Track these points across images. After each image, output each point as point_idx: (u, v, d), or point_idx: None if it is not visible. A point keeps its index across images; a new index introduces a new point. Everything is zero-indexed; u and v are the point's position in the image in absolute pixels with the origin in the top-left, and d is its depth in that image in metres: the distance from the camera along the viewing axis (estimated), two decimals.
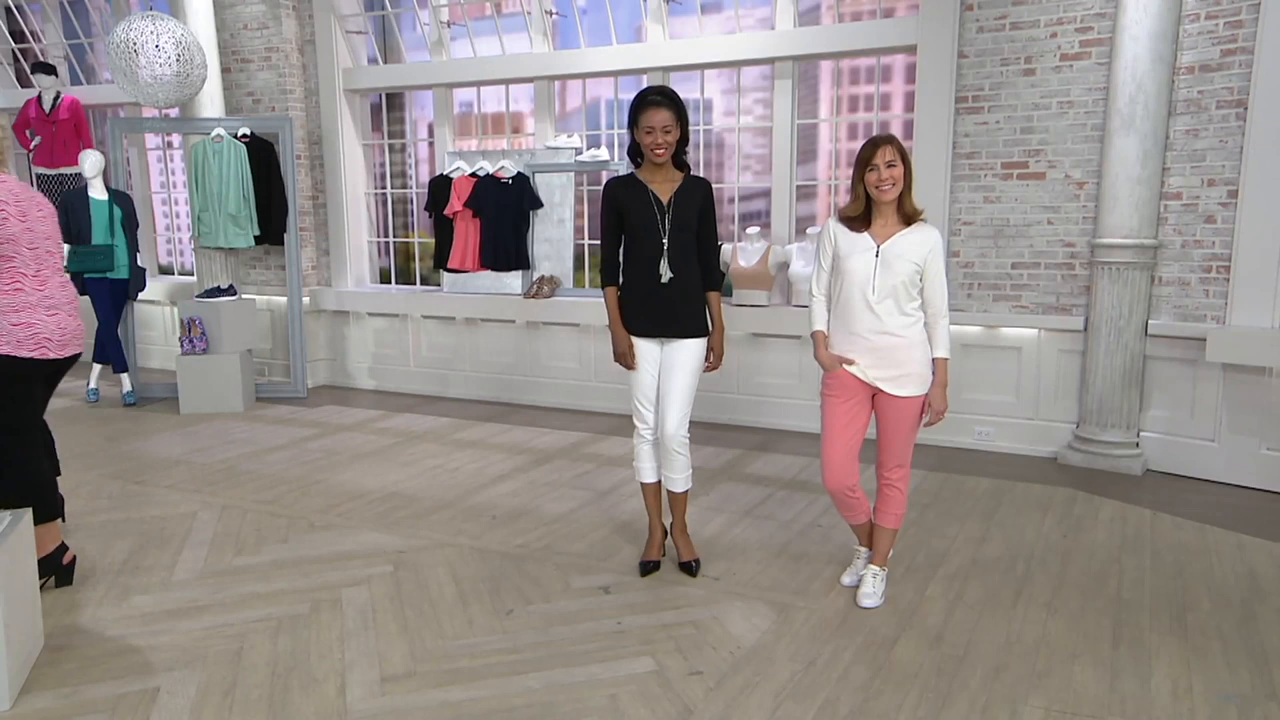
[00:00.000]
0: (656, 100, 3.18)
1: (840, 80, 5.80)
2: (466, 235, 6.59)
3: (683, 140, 3.27)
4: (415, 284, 7.40)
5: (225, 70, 7.02)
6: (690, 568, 3.51)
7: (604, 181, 3.50)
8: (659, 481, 3.54)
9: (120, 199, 6.44)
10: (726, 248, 5.95)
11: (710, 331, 3.43)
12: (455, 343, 6.96)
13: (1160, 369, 4.92)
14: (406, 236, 7.51)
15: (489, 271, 6.60)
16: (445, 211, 6.56)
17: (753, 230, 5.86)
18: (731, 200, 6.22)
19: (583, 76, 6.35)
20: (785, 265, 5.79)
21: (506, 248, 6.49)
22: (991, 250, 5.24)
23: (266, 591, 3.38)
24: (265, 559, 3.71)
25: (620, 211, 3.33)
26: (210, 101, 6.64)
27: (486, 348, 6.85)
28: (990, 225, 5.22)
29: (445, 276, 6.84)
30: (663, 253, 3.29)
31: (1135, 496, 4.48)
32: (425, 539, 3.93)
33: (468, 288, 6.76)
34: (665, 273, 3.29)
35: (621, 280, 3.40)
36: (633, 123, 3.25)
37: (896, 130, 5.65)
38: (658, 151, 3.21)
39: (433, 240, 6.80)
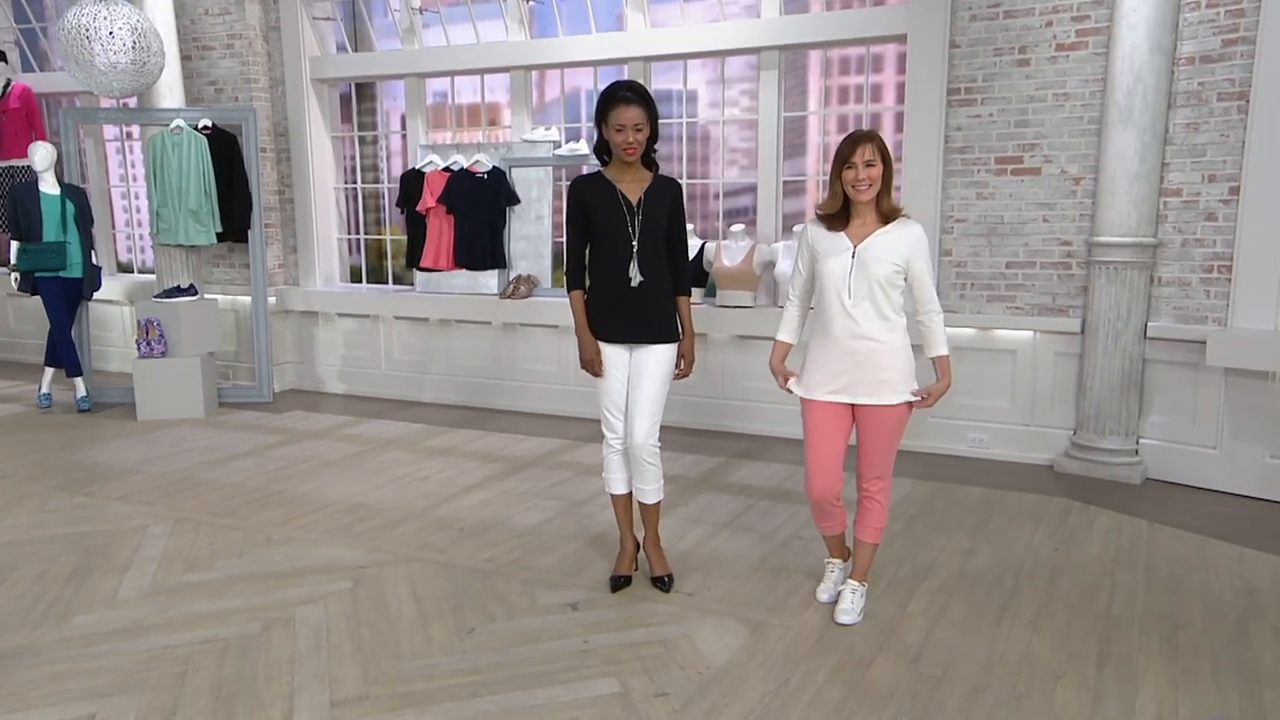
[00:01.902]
0: (627, 96, 3.18)
1: (829, 71, 5.81)
2: (440, 233, 6.58)
3: (652, 138, 3.28)
4: (387, 283, 7.39)
5: (185, 58, 7.00)
6: (663, 583, 3.52)
7: (571, 180, 3.52)
8: (630, 493, 3.55)
9: (73, 193, 6.42)
10: (710, 246, 5.95)
11: (681, 337, 3.44)
12: (428, 345, 6.95)
13: (1160, 373, 4.93)
14: (378, 233, 7.50)
15: (464, 271, 6.60)
16: (418, 208, 6.55)
17: (737, 228, 5.86)
18: (716, 196, 6.23)
19: (561, 66, 6.34)
20: (771, 264, 5.79)
21: (482, 246, 6.48)
22: (985, 249, 5.25)
23: (216, 610, 3.37)
24: (217, 575, 3.69)
25: (588, 212, 3.33)
26: (169, 91, 6.62)
27: (461, 350, 6.85)
28: (984, 223, 5.23)
29: (418, 276, 6.83)
30: (632, 255, 3.30)
31: (1133, 507, 4.49)
32: (388, 553, 3.92)
33: (441, 288, 6.75)
34: (635, 276, 3.30)
35: (588, 284, 3.41)
36: (601, 119, 3.25)
37: (887, 124, 5.66)
38: (628, 150, 3.21)
39: (405, 237, 6.79)
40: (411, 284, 7.03)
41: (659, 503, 3.53)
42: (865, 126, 5.63)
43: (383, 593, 3.52)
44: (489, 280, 6.60)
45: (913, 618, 3.28)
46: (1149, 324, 4.89)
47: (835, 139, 5.89)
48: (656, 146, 3.35)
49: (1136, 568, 3.74)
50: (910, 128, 5.27)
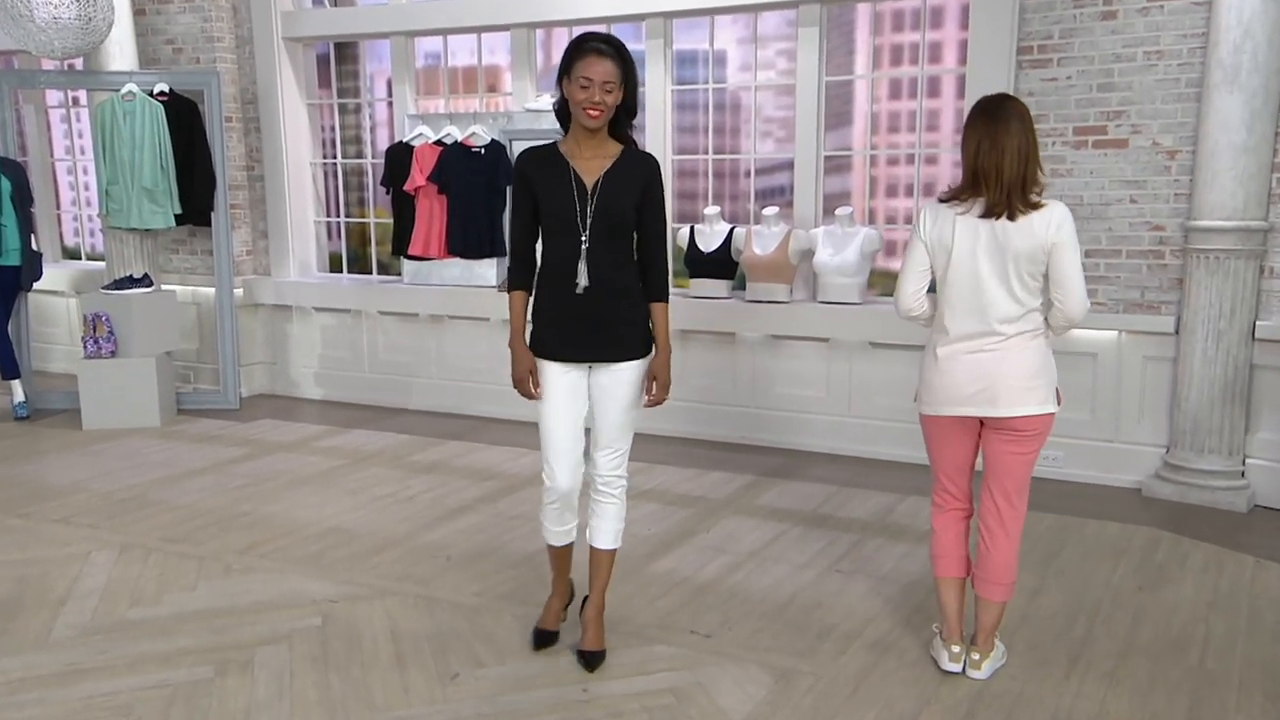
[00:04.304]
0: (600, 48, 2.99)
1: (879, 27, 5.78)
2: (431, 216, 6.61)
3: (627, 110, 3.10)
4: (371, 273, 7.44)
5: (138, 13, 7.07)
6: (590, 660, 3.27)
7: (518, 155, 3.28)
8: (571, 545, 3.40)
9: (9, 169, 6.51)
10: (740, 232, 5.95)
11: (652, 352, 3.24)
12: (418, 344, 6.99)
13: (1272, 381, 4.86)
14: (361, 216, 7.56)
15: (458, 259, 6.62)
16: (405, 187, 6.59)
17: (770, 211, 5.85)
18: (747, 174, 6.22)
19: (569, 24, 6.35)
20: (809, 253, 5.78)
21: (478, 231, 6.51)
22: None
23: (164, 651, 3.40)
24: (166, 611, 3.73)
25: (533, 194, 3.13)
26: (119, 51, 6.68)
27: (454, 350, 6.88)
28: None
29: (406, 265, 6.87)
30: (580, 253, 3.10)
31: (1236, 539, 4.44)
32: (363, 585, 3.94)
33: (432, 278, 6.78)
34: (582, 279, 3.09)
35: (536, 284, 3.23)
36: (564, 72, 3.04)
37: (947, 88, 5.62)
38: (590, 112, 3.00)
39: (392, 221, 6.84)
40: (398, 274, 7.06)
41: (615, 551, 3.33)
42: (921, 91, 5.61)
43: (356, 631, 3.54)
44: (486, 270, 6.61)
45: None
46: (1258, 323, 4.84)
47: (887, 107, 5.87)
48: (633, 124, 3.17)
49: (1238, 612, 3.69)
50: (974, 93, 5.19)
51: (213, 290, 7.13)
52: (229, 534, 4.54)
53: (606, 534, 3.32)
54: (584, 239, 3.10)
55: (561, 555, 3.44)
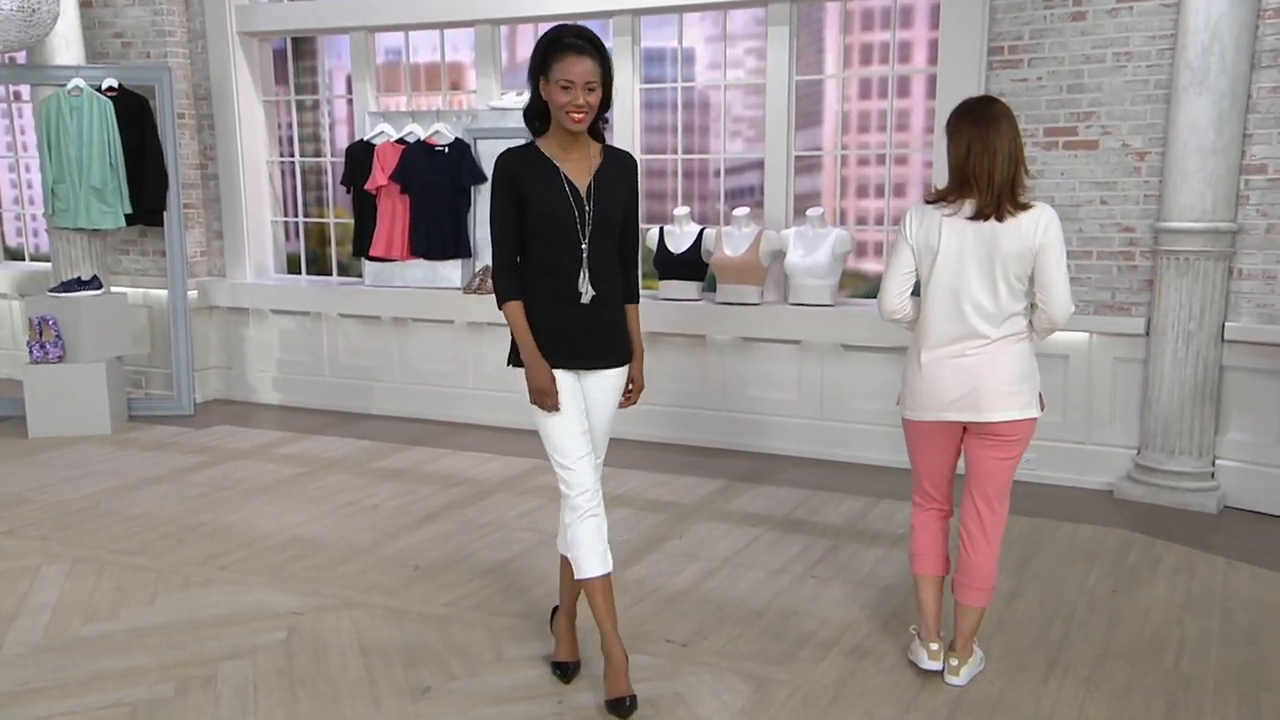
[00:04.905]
0: (577, 44, 2.88)
1: (849, 26, 5.82)
2: (393, 216, 6.57)
3: (604, 104, 2.98)
4: (331, 274, 7.38)
5: (85, 5, 6.96)
6: (623, 707, 3.01)
7: (498, 156, 3.10)
8: (610, 575, 3.11)
9: None
10: (710, 233, 5.96)
11: (632, 357, 3.21)
12: (380, 347, 6.94)
13: (1241, 382, 4.95)
14: (320, 216, 7.49)
15: (421, 260, 6.60)
16: (366, 186, 6.54)
17: (741, 211, 5.87)
18: (716, 174, 6.24)
19: (535, 20, 6.33)
20: (781, 254, 5.81)
21: (442, 232, 6.48)
22: None
23: (122, 669, 3.35)
24: (123, 626, 3.67)
25: (522, 199, 2.99)
26: (65, 45, 6.58)
27: (418, 354, 6.84)
28: None
29: (367, 266, 6.83)
30: (582, 263, 3.01)
31: (1207, 541, 4.51)
32: (329, 597, 3.91)
33: (395, 280, 6.75)
34: (586, 290, 3.01)
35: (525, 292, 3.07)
36: (539, 72, 2.93)
37: (917, 88, 5.67)
38: (575, 116, 2.89)
39: (353, 221, 6.78)
40: (359, 276, 7.02)
41: (609, 575, 3.10)
42: (891, 90, 5.67)
43: (323, 645, 3.51)
44: (451, 272, 6.59)
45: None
46: (1227, 324, 4.92)
47: (857, 106, 5.91)
48: (608, 117, 3.07)
49: (1211, 614, 3.75)
50: (944, 93, 5.28)
51: (165, 292, 7.04)
52: (187, 545, 4.48)
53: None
54: (584, 246, 3.01)
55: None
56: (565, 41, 2.89)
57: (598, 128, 3.05)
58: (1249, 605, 3.83)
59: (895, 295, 3.19)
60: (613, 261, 3.11)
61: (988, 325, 3.06)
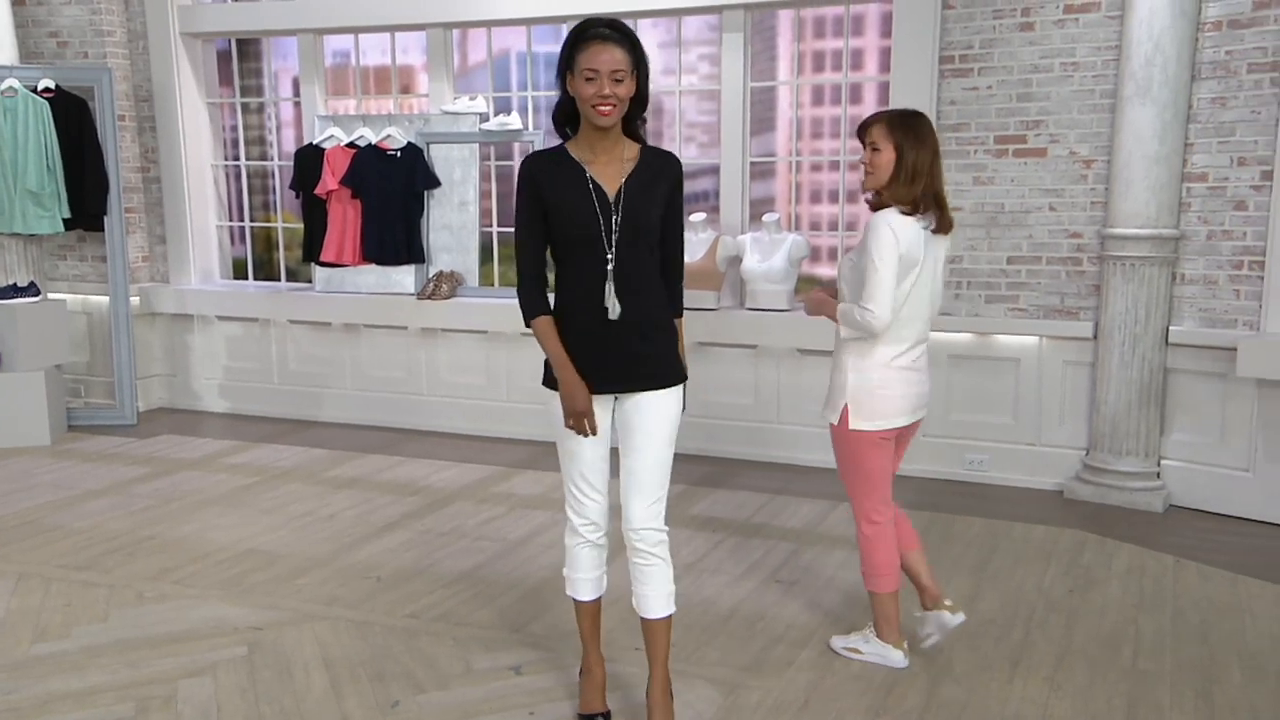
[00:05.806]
0: (604, 34, 2.65)
1: (802, 34, 5.88)
2: (344, 220, 6.51)
3: (639, 101, 2.75)
4: (280, 280, 7.28)
5: (17, 2, 6.80)
6: None
7: (523, 157, 3.01)
8: (600, 599, 3.05)
9: None
10: None
11: (686, 377, 2.94)
12: (331, 354, 6.87)
13: (1184, 384, 5.09)
14: (267, 220, 7.39)
15: (373, 266, 6.55)
16: (316, 191, 6.48)
17: (698, 217, 5.90)
18: None
19: (488, 24, 6.29)
20: (737, 260, 5.85)
21: (395, 237, 6.44)
22: (983, 242, 5.37)
23: (77, 689, 3.28)
24: (76, 645, 3.59)
25: (546, 204, 2.77)
26: None
27: (371, 360, 6.78)
28: (981, 212, 5.35)
29: (317, 272, 6.76)
30: (607, 274, 2.74)
31: (1155, 539, 4.63)
32: (289, 610, 3.86)
33: (346, 286, 6.68)
34: (613, 305, 2.74)
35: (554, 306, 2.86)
36: (566, 66, 2.70)
37: (869, 96, 5.75)
38: (602, 108, 2.65)
39: (302, 226, 6.69)
40: (309, 281, 6.94)
41: (670, 619, 2.90)
42: (845, 98, 5.74)
43: (285, 659, 3.46)
44: (404, 277, 6.55)
45: (913, 675, 3.34)
46: (1171, 328, 5.04)
47: (810, 113, 5.98)
48: (645, 116, 2.83)
49: (1163, 612, 3.86)
50: (896, 100, 5.34)
51: (105, 299, 6.90)
52: (137, 559, 4.39)
53: (658, 600, 2.90)
54: (609, 258, 2.75)
55: (593, 613, 3.04)
56: (591, 31, 2.67)
57: (635, 127, 2.81)
58: (1199, 603, 3.94)
59: (893, 307, 3.14)
60: (650, 275, 2.84)
61: (928, 328, 3.34)
